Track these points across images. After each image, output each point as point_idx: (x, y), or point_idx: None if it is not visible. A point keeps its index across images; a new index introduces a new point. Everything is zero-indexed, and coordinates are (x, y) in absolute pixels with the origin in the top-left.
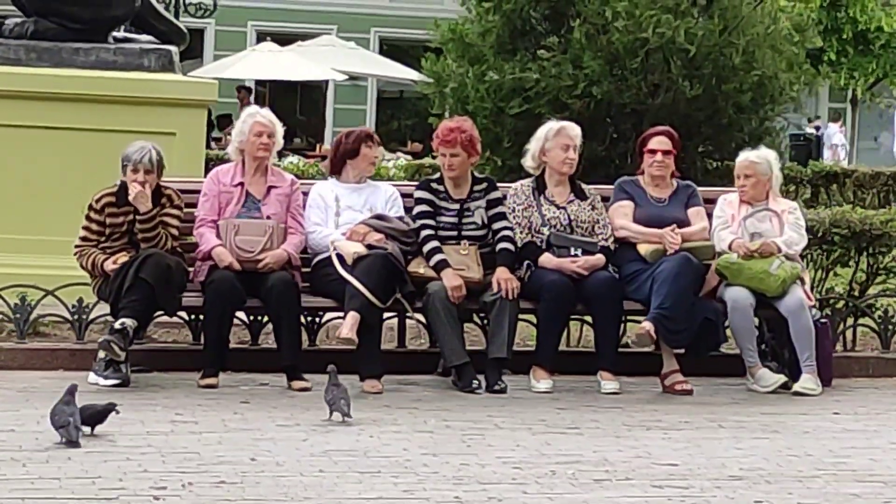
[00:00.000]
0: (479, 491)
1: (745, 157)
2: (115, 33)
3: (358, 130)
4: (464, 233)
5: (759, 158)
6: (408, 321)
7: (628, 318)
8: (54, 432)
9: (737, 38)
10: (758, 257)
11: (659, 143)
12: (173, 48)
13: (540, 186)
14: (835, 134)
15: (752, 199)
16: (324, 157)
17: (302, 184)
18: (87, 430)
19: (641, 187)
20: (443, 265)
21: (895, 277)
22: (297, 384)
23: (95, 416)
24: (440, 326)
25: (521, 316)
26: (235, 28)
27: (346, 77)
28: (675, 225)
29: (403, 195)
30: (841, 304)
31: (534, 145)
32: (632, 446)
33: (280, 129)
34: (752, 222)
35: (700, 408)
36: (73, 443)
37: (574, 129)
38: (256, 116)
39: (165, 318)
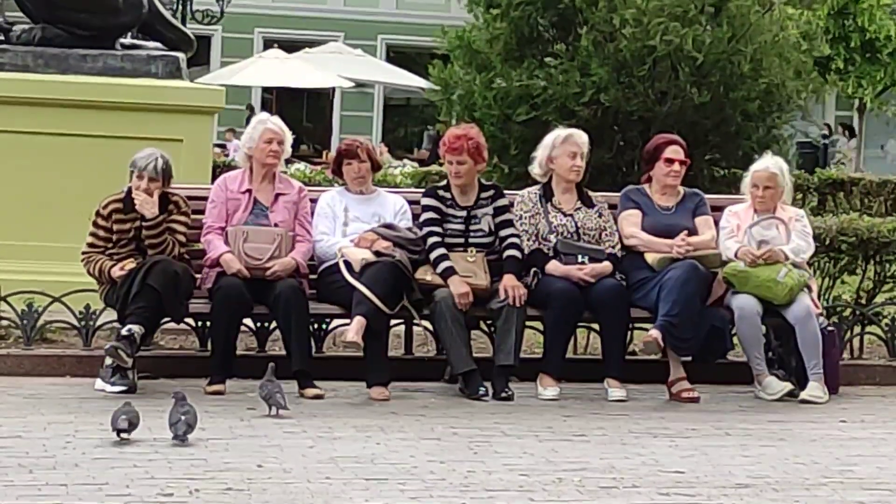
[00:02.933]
0: (485, 498)
1: (766, 167)
2: (122, 40)
3: (341, 147)
4: (471, 240)
5: (778, 169)
6: (415, 328)
7: (635, 325)
8: (62, 439)
9: (745, 46)
10: (764, 265)
11: (674, 152)
12: (180, 55)
13: (547, 194)
14: None
15: (766, 209)
16: (329, 165)
17: (309, 191)
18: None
19: (648, 196)
20: (450, 272)
21: None
22: (309, 392)
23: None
24: (447, 333)
25: (527, 323)
26: (242, 35)
27: (353, 84)
28: (686, 231)
29: (410, 202)
30: (848, 312)
31: (541, 153)
32: (638, 454)
33: (289, 137)
34: (758, 230)
35: (707, 415)
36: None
37: (581, 137)
38: (267, 123)
39: (172, 325)
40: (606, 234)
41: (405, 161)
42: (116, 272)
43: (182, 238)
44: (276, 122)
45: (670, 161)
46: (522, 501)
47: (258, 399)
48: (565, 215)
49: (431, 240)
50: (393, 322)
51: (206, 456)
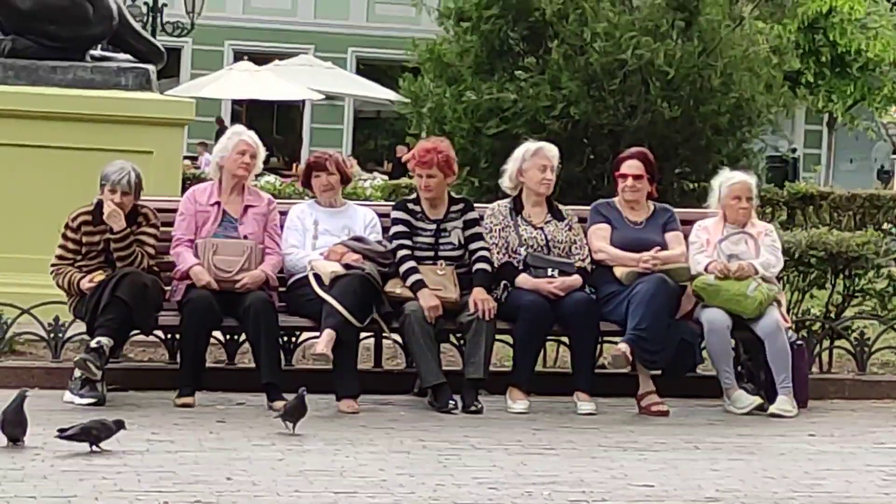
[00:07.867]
0: None
1: (742, 179)
2: (92, 52)
3: (311, 159)
4: (440, 253)
5: (752, 182)
6: (384, 341)
7: (605, 339)
8: (30, 451)
9: (715, 60)
10: (734, 279)
11: (629, 167)
12: (151, 67)
13: (517, 207)
14: None
15: (745, 221)
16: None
17: (279, 203)
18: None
19: (618, 210)
20: (419, 285)
21: (871, 300)
22: (278, 405)
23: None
24: (416, 346)
25: (497, 336)
26: (212, 47)
27: (323, 97)
28: (658, 248)
29: (380, 215)
30: (817, 326)
31: (511, 166)
32: (608, 467)
33: (262, 153)
34: (728, 245)
35: (676, 429)
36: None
37: (551, 150)
38: (243, 135)
39: (141, 337)
40: (576, 248)
41: (375, 174)
42: (86, 284)
43: (151, 250)
44: (251, 136)
45: (624, 176)
46: None
47: (228, 412)
48: (535, 228)
49: (401, 253)
50: (362, 335)
51: (175, 468)
